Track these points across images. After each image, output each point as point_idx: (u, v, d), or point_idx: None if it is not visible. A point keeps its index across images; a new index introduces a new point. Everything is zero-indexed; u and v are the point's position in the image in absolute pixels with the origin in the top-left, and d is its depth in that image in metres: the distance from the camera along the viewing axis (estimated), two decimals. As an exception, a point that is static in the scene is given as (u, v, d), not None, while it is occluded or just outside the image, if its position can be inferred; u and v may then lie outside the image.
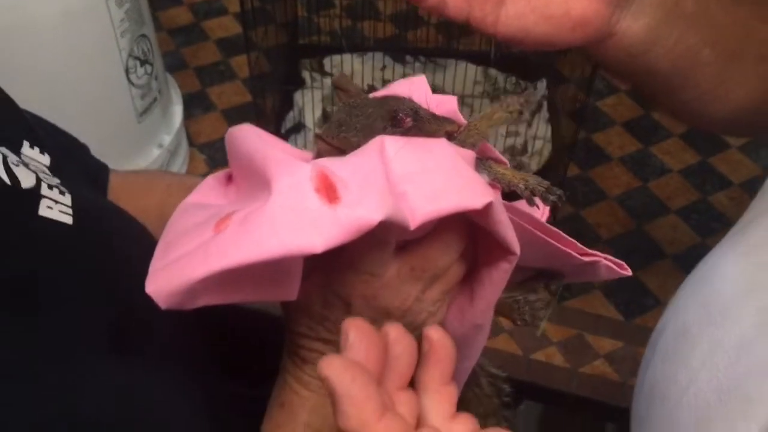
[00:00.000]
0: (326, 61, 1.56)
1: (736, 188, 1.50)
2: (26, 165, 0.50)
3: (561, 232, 0.51)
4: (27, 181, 0.47)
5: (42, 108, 1.13)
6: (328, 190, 0.39)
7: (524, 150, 1.43)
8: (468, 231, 0.47)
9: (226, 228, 0.40)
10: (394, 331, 0.36)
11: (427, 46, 1.64)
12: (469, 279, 0.50)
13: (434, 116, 0.47)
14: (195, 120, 1.53)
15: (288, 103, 1.51)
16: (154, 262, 0.43)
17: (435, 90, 1.55)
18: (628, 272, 0.55)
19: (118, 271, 0.50)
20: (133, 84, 1.21)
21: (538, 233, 0.49)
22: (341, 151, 0.44)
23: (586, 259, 0.51)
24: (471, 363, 0.53)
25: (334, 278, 0.44)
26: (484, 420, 0.59)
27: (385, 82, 1.54)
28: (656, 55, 0.55)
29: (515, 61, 1.59)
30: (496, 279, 0.48)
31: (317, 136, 0.46)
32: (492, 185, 0.48)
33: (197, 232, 0.42)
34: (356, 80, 1.53)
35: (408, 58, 1.58)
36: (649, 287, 1.34)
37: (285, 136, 1.45)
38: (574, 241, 0.51)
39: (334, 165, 0.42)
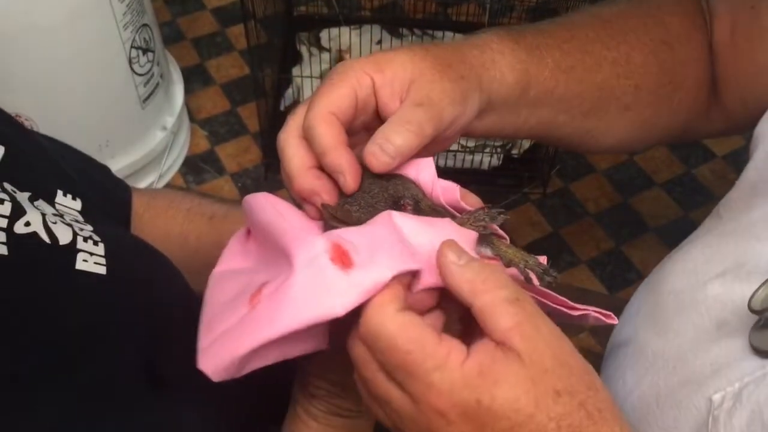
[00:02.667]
0: (323, 35, 1.58)
1: (719, 161, 1.56)
2: (62, 216, 0.55)
3: (554, 293, 0.57)
4: (64, 237, 0.52)
5: (52, 103, 1.17)
6: (342, 257, 0.45)
7: (517, 127, 1.47)
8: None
9: (258, 303, 0.46)
10: None
11: (423, 15, 1.66)
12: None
13: (433, 209, 0.51)
14: (195, 95, 1.56)
15: (286, 77, 1.53)
16: (200, 340, 0.48)
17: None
18: (615, 321, 0.60)
19: (147, 311, 0.56)
20: (136, 73, 1.24)
21: (533, 295, 0.55)
22: (343, 222, 0.49)
23: (576, 313, 0.57)
24: None
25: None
26: None
27: (381, 57, 1.57)
28: (509, 130, 0.58)
29: (509, 32, 1.61)
30: None
31: (323, 205, 0.50)
32: (494, 258, 0.54)
33: (233, 308, 0.48)
34: (353, 54, 1.56)
35: (404, 31, 1.60)
36: (633, 261, 1.42)
37: (284, 114, 1.49)
38: (565, 299, 0.57)
39: (344, 233, 0.47)
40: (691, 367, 0.52)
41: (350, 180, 0.46)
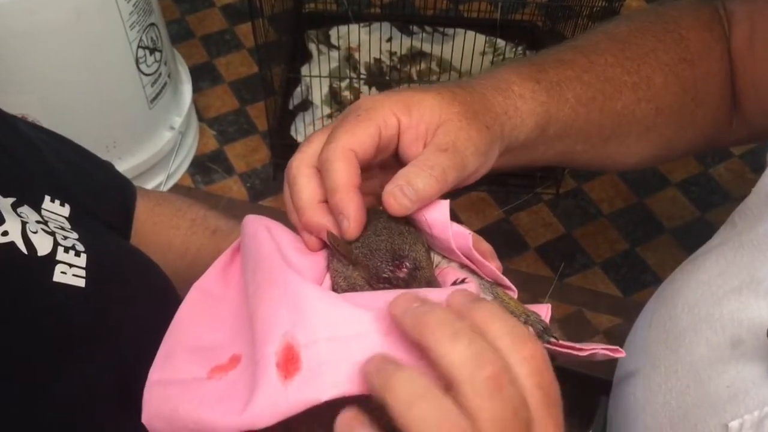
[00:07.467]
0: (332, 33, 1.56)
1: (736, 160, 1.53)
2: (46, 224, 0.52)
3: (562, 342, 0.54)
4: (43, 248, 0.50)
5: (58, 104, 1.15)
6: (288, 363, 0.43)
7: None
8: None
9: (214, 378, 0.45)
10: None
11: (434, 12, 1.63)
12: None
13: (428, 282, 0.46)
14: (203, 93, 1.54)
15: (295, 76, 1.51)
16: (153, 368, 0.46)
17: (442, 63, 1.55)
18: (622, 354, 0.56)
19: (127, 327, 0.53)
20: (143, 73, 1.22)
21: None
22: (344, 255, 0.46)
23: (584, 354, 0.54)
24: None
25: None
26: None
27: (391, 55, 1.55)
28: (524, 163, 0.57)
29: (522, 29, 1.59)
30: None
31: (329, 233, 0.47)
32: None
33: (194, 361, 0.46)
34: (363, 52, 1.54)
35: (415, 28, 1.58)
36: (648, 263, 1.39)
37: (293, 113, 1.47)
38: (572, 344, 0.55)
39: (311, 327, 0.43)
40: (705, 388, 0.50)
41: (353, 227, 0.44)
